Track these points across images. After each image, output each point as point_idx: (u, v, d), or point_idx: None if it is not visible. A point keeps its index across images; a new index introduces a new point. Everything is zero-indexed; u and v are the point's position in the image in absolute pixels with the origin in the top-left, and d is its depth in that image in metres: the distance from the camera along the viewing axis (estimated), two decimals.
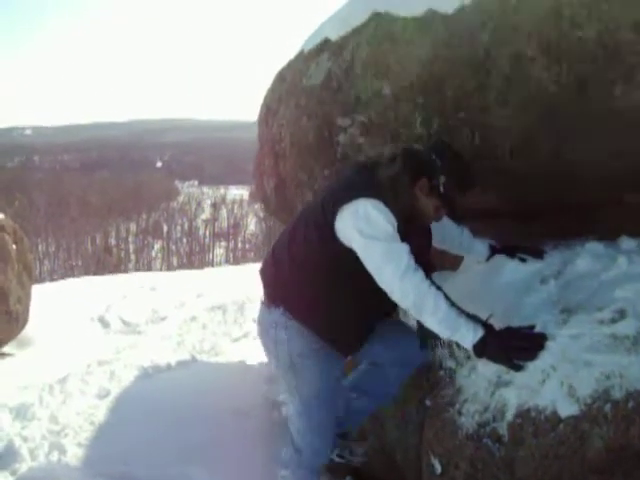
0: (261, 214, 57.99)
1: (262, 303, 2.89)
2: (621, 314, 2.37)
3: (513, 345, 2.39)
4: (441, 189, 2.63)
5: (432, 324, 2.43)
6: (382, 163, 2.68)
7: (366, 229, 2.44)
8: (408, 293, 2.41)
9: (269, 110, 4.47)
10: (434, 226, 2.96)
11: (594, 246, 3.03)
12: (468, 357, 2.80)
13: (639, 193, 3.10)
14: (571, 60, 2.68)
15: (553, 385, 2.24)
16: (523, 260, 3.10)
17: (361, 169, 2.74)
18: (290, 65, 4.28)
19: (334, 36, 3.55)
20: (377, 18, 3.25)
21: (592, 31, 2.63)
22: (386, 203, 2.47)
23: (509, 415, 2.32)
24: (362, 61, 3.27)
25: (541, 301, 2.74)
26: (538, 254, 3.11)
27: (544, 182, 3.08)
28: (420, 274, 2.42)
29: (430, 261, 2.77)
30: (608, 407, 2.08)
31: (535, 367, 2.33)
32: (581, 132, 2.83)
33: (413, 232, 2.58)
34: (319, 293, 2.66)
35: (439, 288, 2.44)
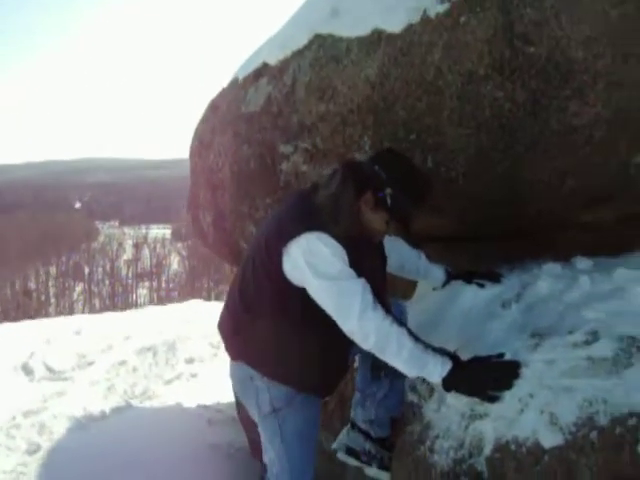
0: (184, 252, 57.35)
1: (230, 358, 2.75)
2: (594, 336, 2.27)
3: (485, 376, 2.27)
4: (388, 202, 2.45)
5: (397, 364, 2.29)
6: (321, 184, 2.54)
7: (315, 267, 2.28)
8: (368, 334, 2.26)
9: (202, 142, 4.31)
10: (392, 252, 2.84)
11: (552, 267, 2.97)
12: (432, 389, 2.66)
13: (593, 212, 3.07)
14: (524, 78, 2.62)
15: (532, 414, 2.11)
16: (481, 285, 3.00)
17: (300, 197, 2.59)
18: (224, 94, 4.14)
19: (273, 60, 3.43)
20: (319, 40, 3.14)
21: (543, 49, 2.58)
22: (330, 231, 2.31)
23: (487, 450, 2.18)
24: (305, 84, 3.15)
25: (507, 327, 2.63)
26: (495, 278, 3.02)
27: (499, 204, 3.01)
28: (379, 312, 2.27)
29: (385, 287, 2.63)
30: (594, 435, 1.95)
31: (511, 396, 2.20)
32: (536, 151, 2.77)
33: (366, 255, 2.43)
34: (282, 342, 2.50)
35: (401, 324, 2.30)
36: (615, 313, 2.38)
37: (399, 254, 2.96)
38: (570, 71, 2.59)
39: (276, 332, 2.50)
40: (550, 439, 2.03)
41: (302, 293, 2.36)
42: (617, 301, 2.46)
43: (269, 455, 2.69)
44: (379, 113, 2.91)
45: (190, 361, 9.29)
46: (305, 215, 2.41)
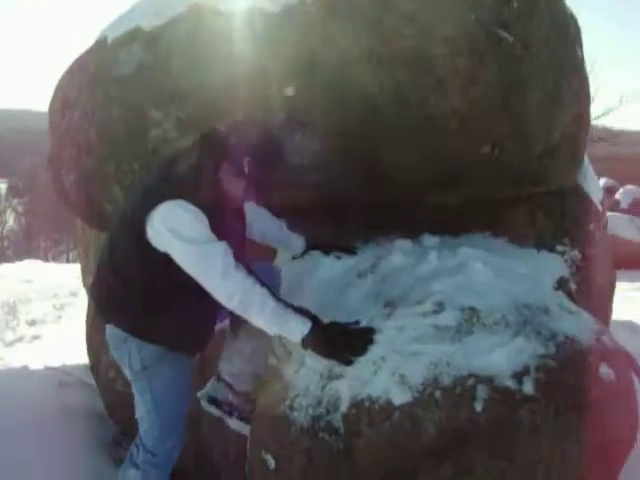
0: (20, 209, 54.21)
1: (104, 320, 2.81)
2: (440, 306, 2.56)
3: (342, 341, 2.47)
4: (245, 170, 2.54)
5: (259, 322, 2.43)
6: (182, 155, 2.63)
7: (176, 232, 2.39)
8: (233, 294, 2.39)
9: (66, 98, 4.19)
10: (255, 221, 2.98)
11: (403, 243, 3.22)
12: (290, 353, 2.84)
13: (440, 193, 3.36)
14: (391, 68, 2.83)
15: (385, 375, 2.34)
16: (338, 257, 3.21)
17: (163, 167, 2.68)
18: (92, 53, 4.05)
19: (147, 25, 3.41)
20: (197, 11, 3.19)
21: (411, 41, 2.81)
22: (191, 199, 2.42)
23: (343, 407, 2.37)
24: (180, 54, 3.20)
25: (363, 295, 2.86)
26: (350, 251, 3.24)
27: (359, 181, 3.22)
28: (242, 271, 2.40)
29: (244, 251, 2.76)
30: (438, 393, 2.23)
31: (366, 359, 2.42)
32: (398, 135, 3.00)
33: (226, 220, 2.54)
34: (150, 306, 2.60)
35: (263, 284, 2.44)
36: (459, 286, 2.69)
37: (262, 223, 3.09)
38: (431, 65, 2.84)
39: (144, 296, 2.59)
40: (400, 397, 2.27)
41: (167, 258, 2.44)
42: (461, 276, 2.77)
43: (140, 413, 2.78)
44: (253, 88, 3.02)
45: (32, 323, 8.95)
46: (167, 185, 2.51)
